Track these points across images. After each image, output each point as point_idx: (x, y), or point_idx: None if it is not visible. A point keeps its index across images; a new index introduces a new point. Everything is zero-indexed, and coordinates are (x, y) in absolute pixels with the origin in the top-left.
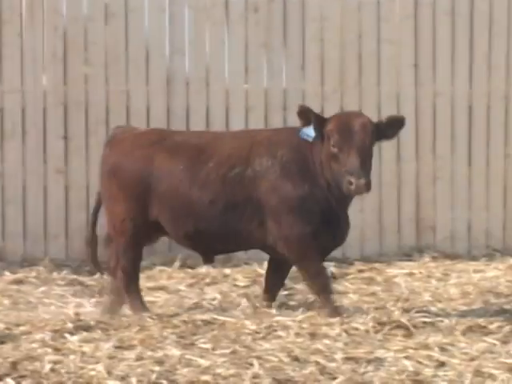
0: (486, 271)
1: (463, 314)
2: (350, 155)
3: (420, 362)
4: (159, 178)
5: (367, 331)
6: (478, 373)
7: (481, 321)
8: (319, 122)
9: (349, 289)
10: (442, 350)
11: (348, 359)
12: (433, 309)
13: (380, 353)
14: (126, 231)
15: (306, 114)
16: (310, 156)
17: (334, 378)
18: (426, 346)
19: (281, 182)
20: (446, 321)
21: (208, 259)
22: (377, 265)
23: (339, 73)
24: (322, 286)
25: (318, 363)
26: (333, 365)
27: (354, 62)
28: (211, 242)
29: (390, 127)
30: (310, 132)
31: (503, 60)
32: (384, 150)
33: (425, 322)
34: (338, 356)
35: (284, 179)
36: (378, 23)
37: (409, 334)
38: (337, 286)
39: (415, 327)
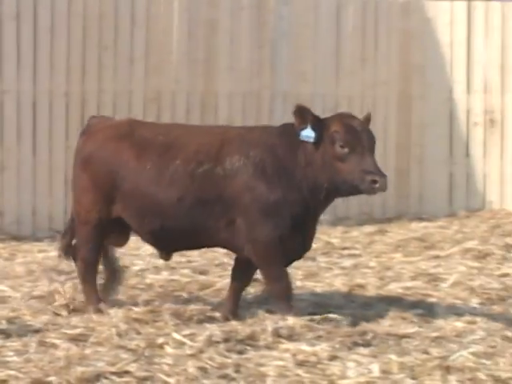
0: (49, 251)
1: (29, 290)
2: (366, 155)
3: None
4: (126, 175)
5: None
6: (41, 342)
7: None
8: (318, 123)
9: None
10: (9, 322)
11: None
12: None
13: None
14: (91, 222)
15: (302, 114)
16: (288, 157)
17: None
18: None
19: (254, 183)
20: (15, 295)
21: (167, 256)
22: None
23: None
24: (282, 290)
25: None
26: None
27: None
28: (174, 240)
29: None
30: (309, 133)
31: (64, 61)
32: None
33: None
34: None
35: (258, 180)
36: None
37: None
38: None
39: None
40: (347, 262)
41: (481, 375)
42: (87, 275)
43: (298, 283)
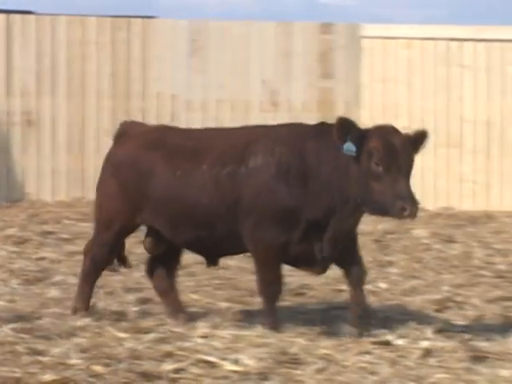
0: None
1: None
2: (400, 178)
3: None
4: (157, 184)
5: None
6: None
7: None
8: (359, 135)
9: None
10: None
11: None
12: None
13: None
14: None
15: (345, 127)
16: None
17: None
18: None
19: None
20: None
21: (212, 262)
22: None
23: None
24: (271, 296)
25: None
26: None
27: None
28: (212, 247)
29: (417, 142)
30: (350, 147)
31: None
32: None
33: None
34: None
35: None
36: None
37: None
38: None
39: None
40: None
41: (19, 348)
42: (90, 276)
43: None
